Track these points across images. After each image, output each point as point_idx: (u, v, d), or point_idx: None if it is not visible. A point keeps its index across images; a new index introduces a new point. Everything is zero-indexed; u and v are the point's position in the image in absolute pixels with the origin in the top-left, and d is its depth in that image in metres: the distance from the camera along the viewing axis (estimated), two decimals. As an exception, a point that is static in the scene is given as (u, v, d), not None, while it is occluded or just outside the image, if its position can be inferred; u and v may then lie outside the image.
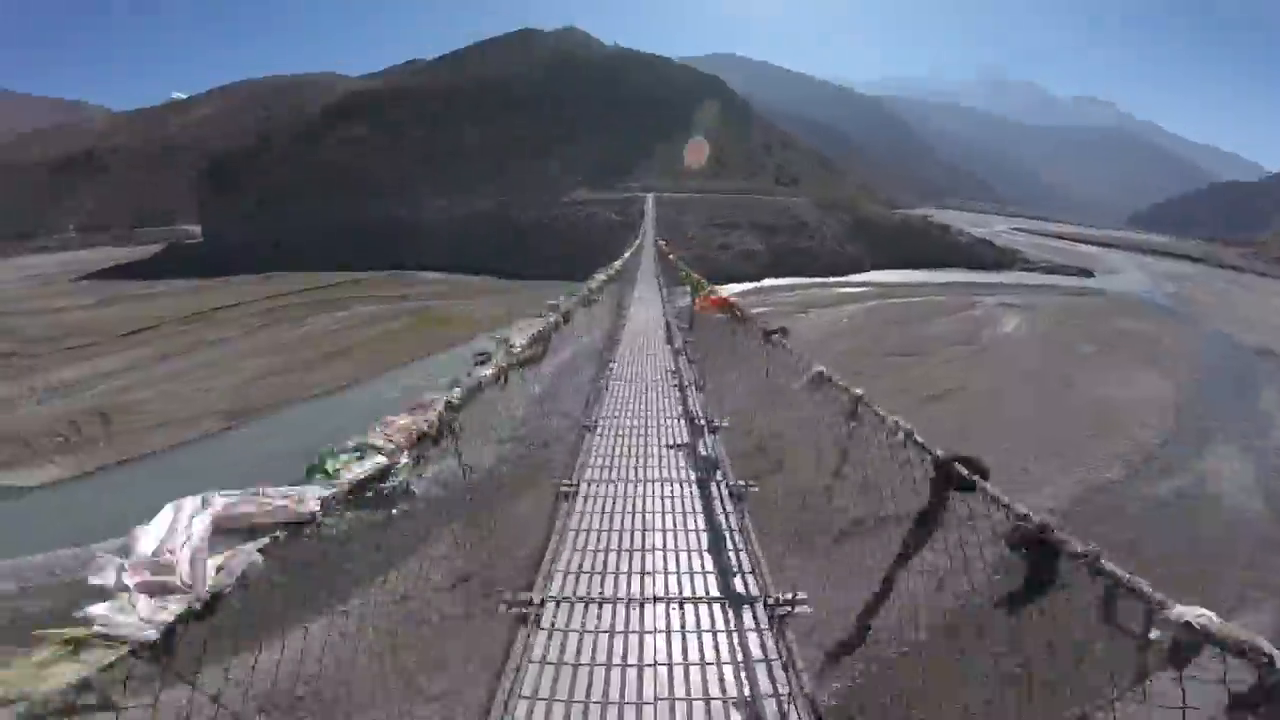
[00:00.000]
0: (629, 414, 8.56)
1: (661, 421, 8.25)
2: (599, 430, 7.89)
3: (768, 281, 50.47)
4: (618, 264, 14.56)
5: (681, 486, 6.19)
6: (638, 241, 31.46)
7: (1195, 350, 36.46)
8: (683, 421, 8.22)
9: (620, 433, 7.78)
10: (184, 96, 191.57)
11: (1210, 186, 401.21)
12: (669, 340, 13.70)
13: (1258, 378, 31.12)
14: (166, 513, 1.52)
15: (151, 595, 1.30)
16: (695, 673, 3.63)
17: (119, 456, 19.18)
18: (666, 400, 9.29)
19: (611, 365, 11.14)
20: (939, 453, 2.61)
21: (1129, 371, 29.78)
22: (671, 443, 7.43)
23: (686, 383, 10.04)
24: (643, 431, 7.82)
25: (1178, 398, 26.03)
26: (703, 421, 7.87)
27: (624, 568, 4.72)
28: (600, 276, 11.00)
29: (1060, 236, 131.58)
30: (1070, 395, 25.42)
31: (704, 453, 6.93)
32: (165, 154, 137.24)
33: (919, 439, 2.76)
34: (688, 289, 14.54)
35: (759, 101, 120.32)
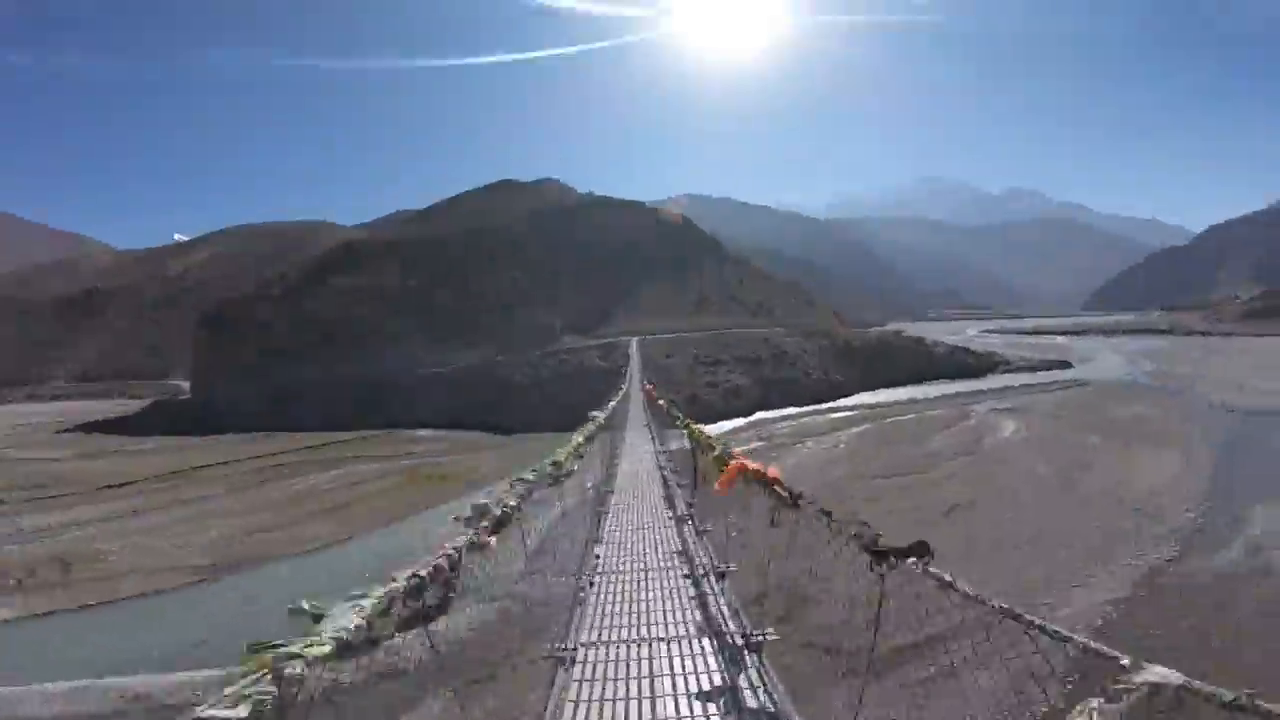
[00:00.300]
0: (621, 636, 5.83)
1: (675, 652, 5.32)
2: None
3: (759, 415, 50.71)
4: (600, 417, 12.90)
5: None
6: (624, 388, 31.47)
7: (1195, 423, 37.23)
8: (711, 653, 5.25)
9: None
10: (185, 239, 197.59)
11: (1148, 257, 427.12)
12: (669, 504, 11.62)
13: (1263, 435, 31.75)
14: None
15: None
16: None
17: (77, 602, 18.78)
18: (677, 605, 6.44)
19: (596, 555, 8.60)
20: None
21: (1140, 455, 30.08)
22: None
23: (701, 571, 7.46)
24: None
25: (1197, 470, 26.30)
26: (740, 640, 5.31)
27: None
28: (577, 439, 8.66)
29: (1029, 332, 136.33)
30: (1083, 490, 25.33)
31: None
32: (165, 299, 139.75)
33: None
34: (683, 433, 13.55)
35: (724, 237, 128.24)
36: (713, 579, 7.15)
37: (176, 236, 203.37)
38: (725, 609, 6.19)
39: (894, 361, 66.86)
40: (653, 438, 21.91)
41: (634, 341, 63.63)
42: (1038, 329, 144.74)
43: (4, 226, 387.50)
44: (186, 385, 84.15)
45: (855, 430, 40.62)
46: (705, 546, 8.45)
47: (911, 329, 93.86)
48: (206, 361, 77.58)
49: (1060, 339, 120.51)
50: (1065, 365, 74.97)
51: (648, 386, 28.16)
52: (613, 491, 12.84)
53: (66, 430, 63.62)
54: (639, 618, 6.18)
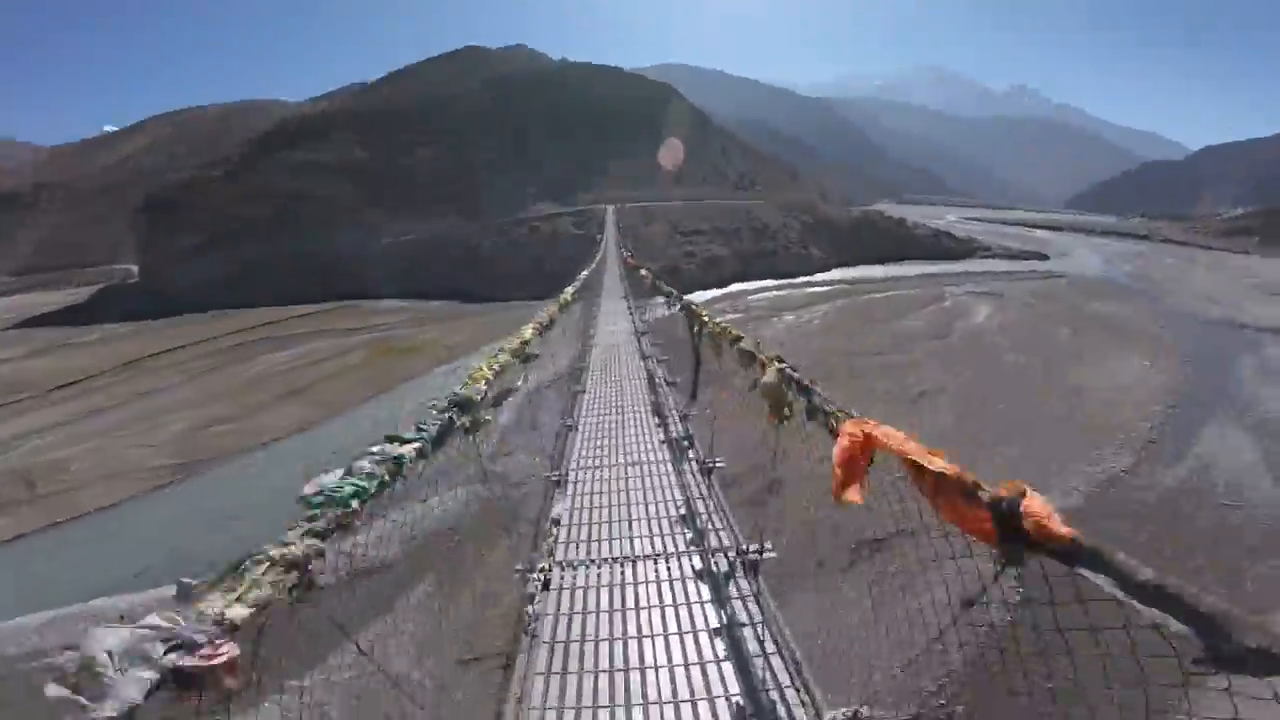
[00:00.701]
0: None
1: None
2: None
3: (736, 287, 49.66)
4: (571, 289, 11.43)
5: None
6: (599, 255, 29.95)
7: (1166, 329, 36.72)
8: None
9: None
10: (115, 129, 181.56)
11: (1140, 166, 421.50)
12: (650, 383, 10.74)
13: (1233, 351, 31.37)
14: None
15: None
16: None
17: (46, 520, 17.42)
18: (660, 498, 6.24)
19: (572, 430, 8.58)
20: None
21: (1109, 355, 29.72)
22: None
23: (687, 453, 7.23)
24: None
25: (1164, 379, 25.82)
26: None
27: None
28: (549, 309, 7.97)
29: (1010, 223, 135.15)
30: (1057, 385, 24.84)
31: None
32: (100, 190, 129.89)
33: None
34: (663, 302, 13.06)
35: (710, 109, 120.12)
36: (694, 468, 6.77)
37: (105, 128, 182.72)
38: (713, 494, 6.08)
39: (874, 240, 65.47)
40: (630, 309, 20.93)
41: (610, 209, 60.53)
42: (1019, 220, 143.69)
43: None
44: (136, 269, 77.85)
45: (832, 305, 39.91)
46: (691, 434, 7.75)
47: (894, 210, 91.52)
48: (153, 245, 72.21)
49: (1040, 232, 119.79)
50: (1042, 256, 74.52)
51: (627, 256, 26.43)
52: (587, 368, 11.91)
53: (12, 328, 58.89)
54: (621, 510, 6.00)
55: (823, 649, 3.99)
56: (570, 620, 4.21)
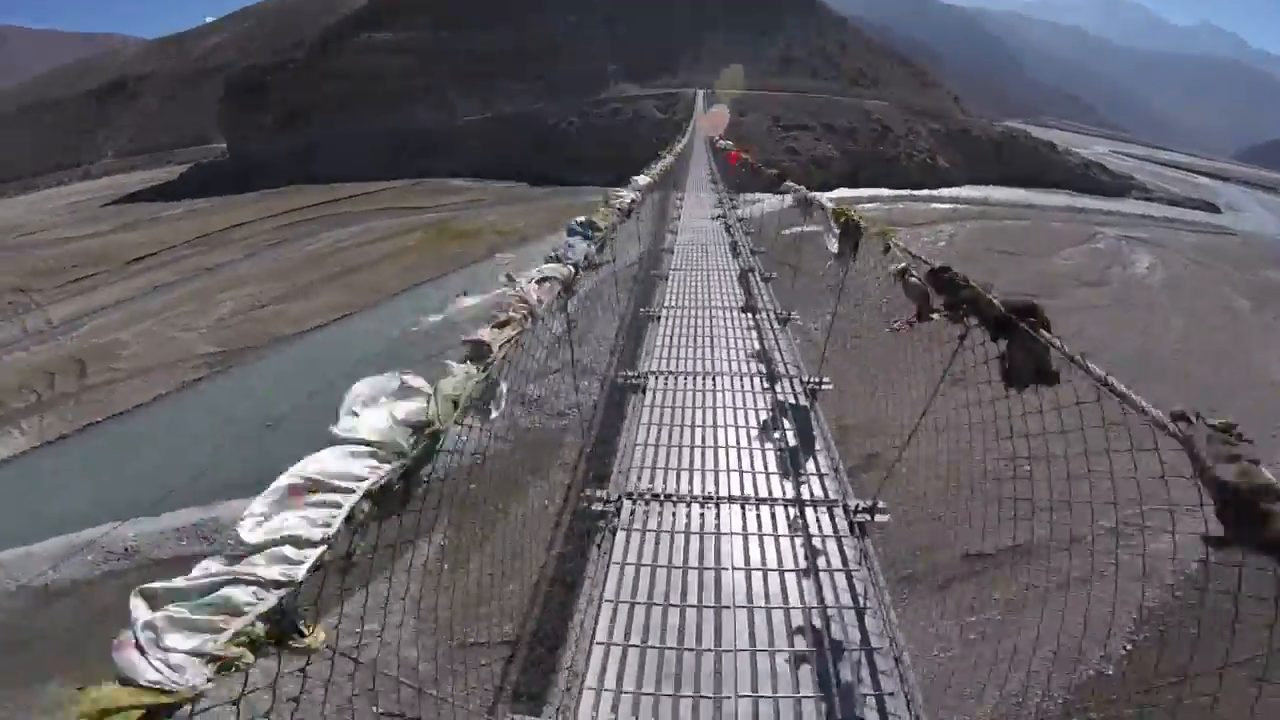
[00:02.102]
0: None
1: None
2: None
3: (842, 192, 42.74)
4: (649, 174, 8.34)
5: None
6: (685, 139, 25.21)
7: None
8: None
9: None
10: (213, 20, 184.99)
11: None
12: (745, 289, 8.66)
13: None
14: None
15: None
16: None
17: (84, 420, 16.37)
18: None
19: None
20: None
21: None
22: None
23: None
24: None
25: None
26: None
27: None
28: (625, 196, 5.57)
29: (1171, 165, 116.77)
30: (1227, 369, 19.36)
31: None
32: (196, 77, 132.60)
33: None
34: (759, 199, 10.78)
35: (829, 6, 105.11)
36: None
37: (208, 19, 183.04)
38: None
39: (1016, 160, 55.67)
40: (720, 202, 17.83)
41: (699, 93, 53.32)
42: (1181, 164, 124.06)
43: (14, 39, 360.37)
44: (225, 148, 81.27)
45: (962, 227, 33.39)
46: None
47: (1037, 134, 78.90)
48: (236, 126, 74.69)
49: (1204, 179, 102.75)
50: (1211, 207, 62.51)
51: (726, 143, 21.13)
52: (666, 277, 9.82)
53: (113, 203, 61.65)
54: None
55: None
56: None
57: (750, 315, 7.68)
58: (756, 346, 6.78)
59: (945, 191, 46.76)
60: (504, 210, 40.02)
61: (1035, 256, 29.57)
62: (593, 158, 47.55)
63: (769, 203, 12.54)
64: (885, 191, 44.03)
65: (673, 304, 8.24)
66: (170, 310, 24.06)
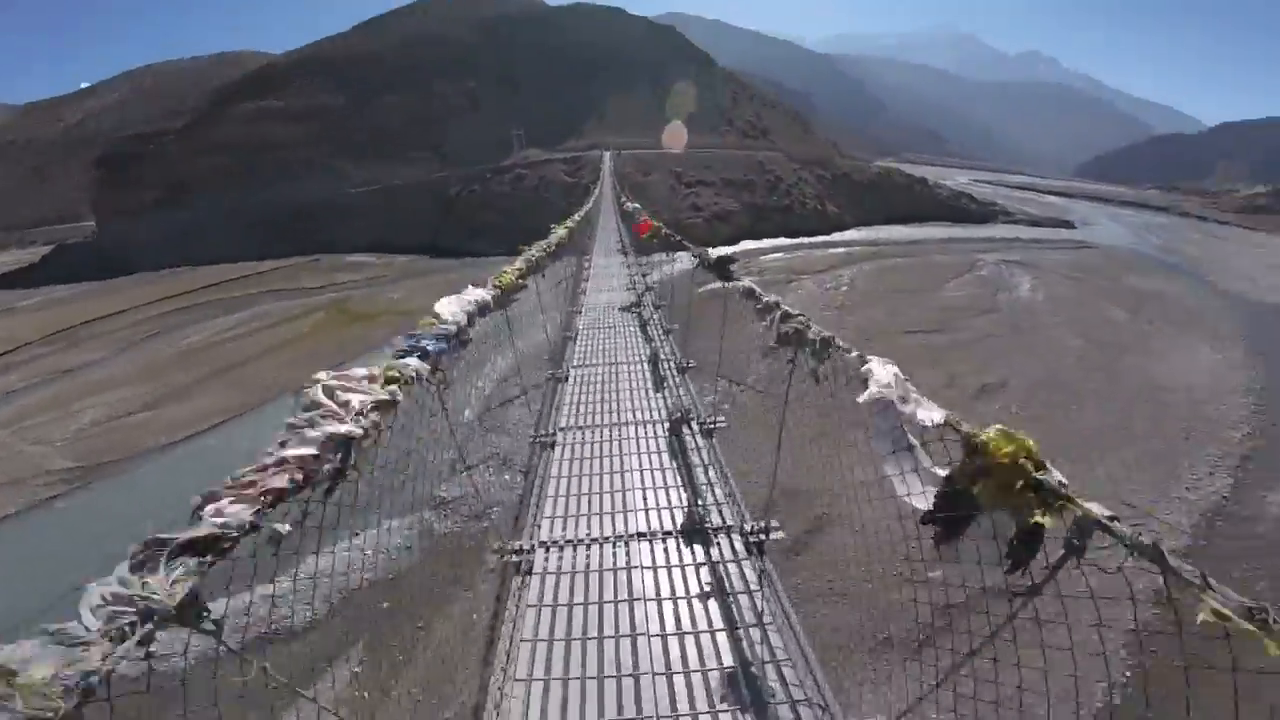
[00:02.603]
0: None
1: None
2: None
3: (747, 244, 44.37)
4: (555, 237, 8.74)
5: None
6: (593, 198, 25.30)
7: (1216, 309, 32.33)
8: None
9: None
10: (89, 85, 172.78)
11: (1151, 139, 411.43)
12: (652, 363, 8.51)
13: None
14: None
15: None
16: None
17: None
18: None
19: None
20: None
21: (1174, 343, 25.53)
22: None
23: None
24: None
25: (1240, 374, 21.92)
26: None
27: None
28: (519, 263, 5.56)
29: (1024, 188, 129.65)
30: (1126, 379, 21.08)
31: None
32: (66, 147, 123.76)
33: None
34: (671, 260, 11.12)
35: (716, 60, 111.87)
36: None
37: (83, 85, 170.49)
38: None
39: (892, 199, 60.15)
40: (628, 265, 18.00)
41: (606, 155, 54.46)
42: (1030, 185, 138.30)
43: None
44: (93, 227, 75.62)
45: (858, 269, 35.07)
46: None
47: (905, 169, 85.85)
48: (108, 202, 69.20)
49: (1053, 198, 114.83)
50: (1068, 225, 69.75)
51: (634, 206, 21.19)
52: (574, 337, 10.12)
53: None
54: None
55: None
56: None
57: (652, 366, 8.18)
58: (659, 395, 7.21)
59: (837, 236, 49.53)
60: (408, 286, 38.59)
61: (928, 292, 31.36)
62: (496, 226, 47.05)
63: (682, 262, 12.53)
64: (784, 240, 46.02)
65: (581, 362, 8.67)
66: (22, 421, 21.70)
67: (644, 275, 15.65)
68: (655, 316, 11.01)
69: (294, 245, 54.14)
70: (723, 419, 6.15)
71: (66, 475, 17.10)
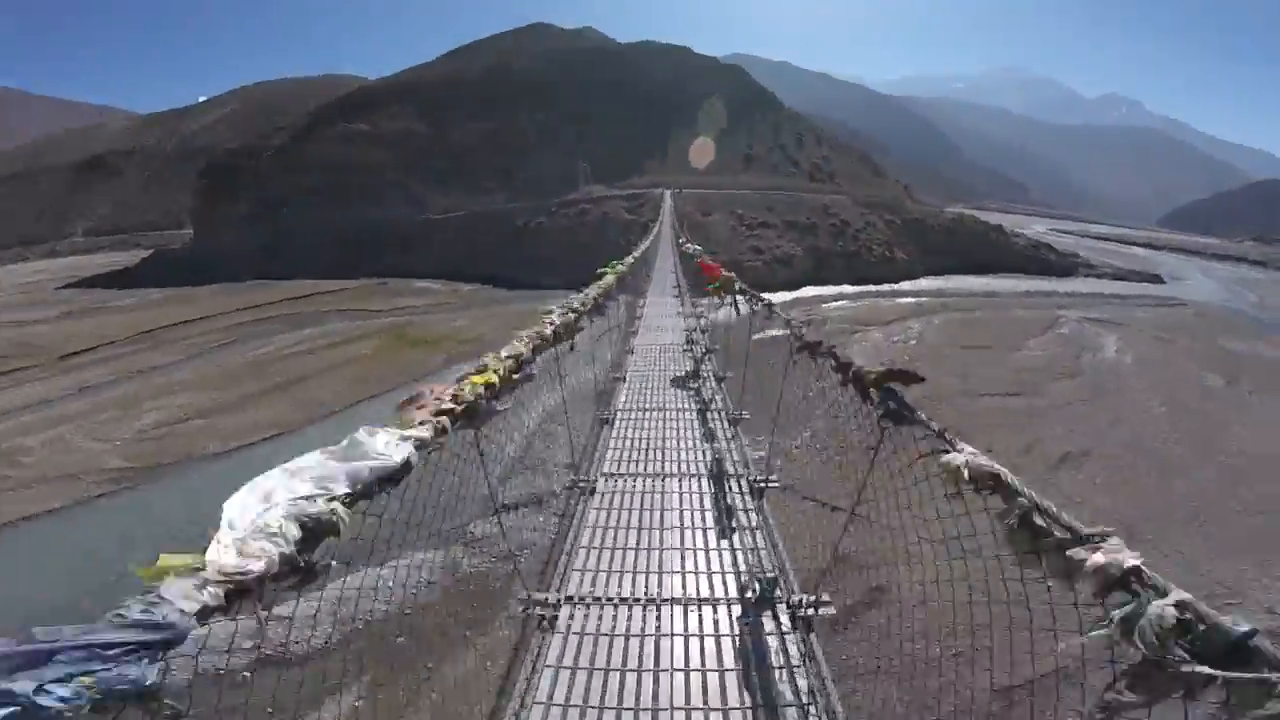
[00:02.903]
0: None
1: None
2: None
3: (808, 291, 43.31)
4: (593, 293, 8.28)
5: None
6: (647, 240, 24.92)
7: None
8: None
9: None
10: (206, 99, 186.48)
11: (1246, 186, 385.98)
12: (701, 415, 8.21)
13: None
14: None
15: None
16: None
17: None
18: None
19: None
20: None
21: (1277, 415, 23.01)
22: None
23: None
24: None
25: None
26: None
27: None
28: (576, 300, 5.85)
29: (1103, 238, 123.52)
30: (1221, 452, 19.14)
31: None
32: (180, 157, 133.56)
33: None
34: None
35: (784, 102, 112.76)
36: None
37: (201, 99, 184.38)
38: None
39: (967, 247, 57.69)
40: (682, 308, 17.47)
41: (667, 193, 54.70)
42: (1113, 236, 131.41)
43: (11, 103, 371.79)
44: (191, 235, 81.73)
45: (929, 322, 33.47)
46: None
47: (980, 217, 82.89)
48: (206, 211, 74.22)
49: (1138, 250, 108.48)
50: (1156, 279, 65.45)
51: (695, 248, 20.74)
52: (623, 378, 9.95)
53: (68, 286, 61.26)
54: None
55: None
56: None
57: (702, 416, 7.91)
58: (707, 447, 6.89)
59: (906, 285, 47.78)
60: (470, 315, 39.16)
61: (1006, 349, 29.60)
62: (559, 259, 47.68)
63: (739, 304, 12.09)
64: (849, 288, 44.58)
65: (628, 406, 8.47)
66: (90, 416, 22.42)
67: (699, 319, 15.19)
68: (708, 364, 10.64)
69: (367, 267, 56.24)
70: (775, 477, 5.84)
71: (117, 475, 17.53)
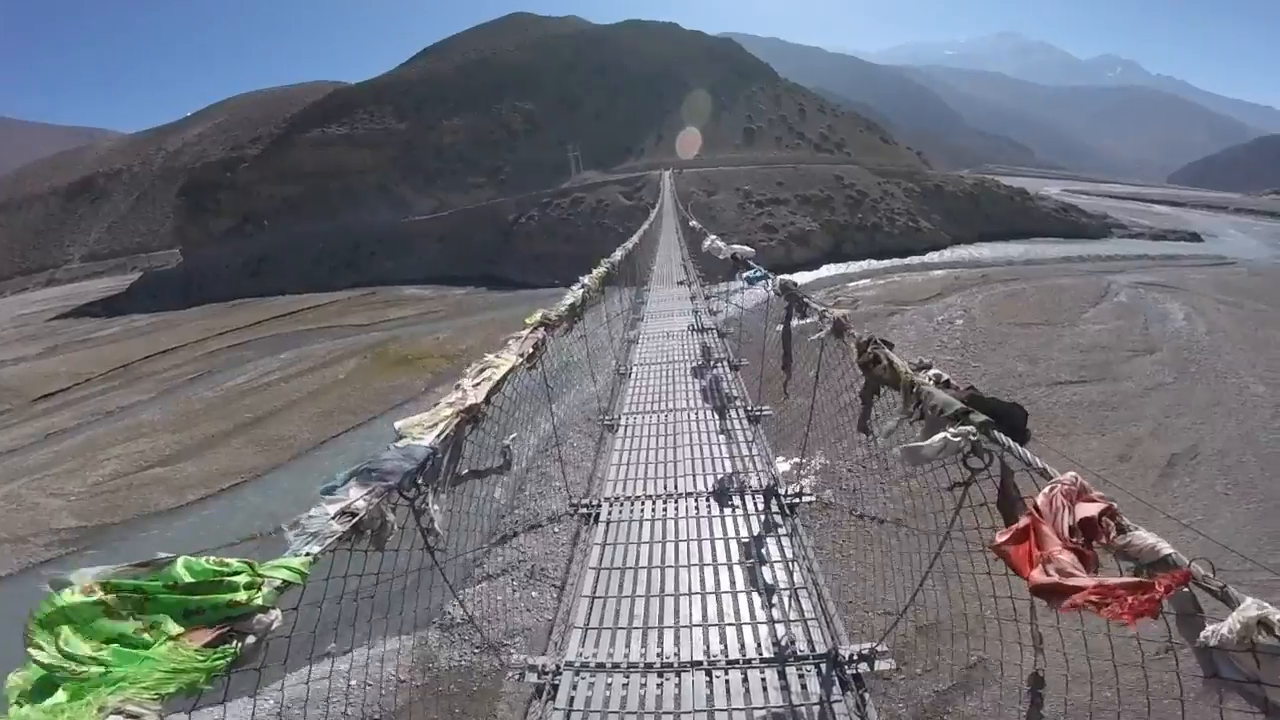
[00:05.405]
0: None
1: None
2: None
3: (829, 269, 39.53)
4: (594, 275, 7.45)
5: None
6: (646, 224, 21.73)
7: None
8: None
9: None
10: (193, 113, 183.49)
11: (1257, 140, 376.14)
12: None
13: None
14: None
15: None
16: None
17: None
18: None
19: None
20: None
21: None
22: None
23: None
24: None
25: None
26: None
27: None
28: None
29: (1124, 198, 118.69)
30: None
31: None
32: (167, 175, 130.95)
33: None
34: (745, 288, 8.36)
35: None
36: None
37: (187, 114, 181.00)
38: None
39: (991, 213, 53.84)
40: (693, 306, 14.78)
41: (666, 174, 50.90)
42: (1132, 195, 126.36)
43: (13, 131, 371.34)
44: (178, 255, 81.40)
45: (971, 296, 29.70)
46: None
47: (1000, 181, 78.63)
48: (189, 230, 73.32)
49: (1163, 208, 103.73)
50: (1194, 238, 61.20)
51: (693, 224, 17.75)
52: (628, 374, 9.19)
53: (59, 317, 60.49)
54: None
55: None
56: None
57: (720, 415, 7.06)
58: (727, 456, 5.92)
59: (934, 256, 44.03)
60: (458, 324, 36.34)
61: (1064, 325, 25.90)
62: (552, 255, 44.25)
63: (755, 290, 9.43)
64: (875, 264, 40.79)
65: (634, 409, 7.78)
66: (50, 467, 21.11)
67: (711, 312, 13.72)
68: (723, 355, 9.47)
69: (357, 275, 54.44)
70: (809, 492, 5.06)
71: (67, 536, 16.21)
